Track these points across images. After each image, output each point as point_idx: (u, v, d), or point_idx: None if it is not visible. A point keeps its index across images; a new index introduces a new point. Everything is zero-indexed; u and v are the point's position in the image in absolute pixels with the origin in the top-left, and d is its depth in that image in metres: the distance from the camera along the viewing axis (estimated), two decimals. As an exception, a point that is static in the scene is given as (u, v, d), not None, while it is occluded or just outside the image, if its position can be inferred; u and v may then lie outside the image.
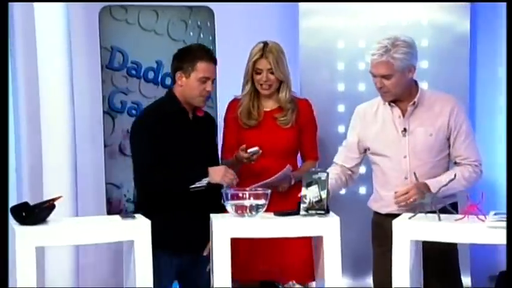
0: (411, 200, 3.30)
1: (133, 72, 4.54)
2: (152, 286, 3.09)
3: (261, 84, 3.76)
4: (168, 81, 4.59)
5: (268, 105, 3.81)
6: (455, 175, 3.29)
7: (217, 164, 3.62)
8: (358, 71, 4.37)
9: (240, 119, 3.79)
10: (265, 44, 3.79)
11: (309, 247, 3.60)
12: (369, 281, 3.67)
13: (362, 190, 4.38)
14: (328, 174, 3.27)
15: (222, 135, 3.89)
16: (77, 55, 4.13)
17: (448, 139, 3.44)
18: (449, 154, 3.47)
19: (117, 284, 3.33)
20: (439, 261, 3.40)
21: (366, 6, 4.46)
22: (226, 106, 3.90)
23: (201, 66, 3.49)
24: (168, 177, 3.46)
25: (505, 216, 3.04)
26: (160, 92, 4.56)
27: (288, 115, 3.77)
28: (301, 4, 4.44)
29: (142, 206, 3.55)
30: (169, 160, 3.47)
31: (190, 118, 3.56)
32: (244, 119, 3.78)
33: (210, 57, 3.53)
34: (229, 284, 3.14)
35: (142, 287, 3.08)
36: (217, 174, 3.42)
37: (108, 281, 4.05)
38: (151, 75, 4.58)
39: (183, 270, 3.54)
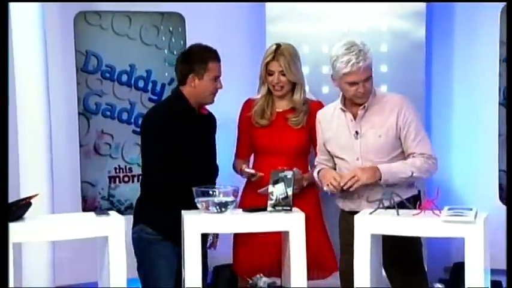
0: (359, 182, 3.33)
1: (108, 75, 4.52)
2: (125, 281, 3.08)
3: (273, 86, 3.74)
4: (141, 83, 4.58)
5: (282, 105, 3.79)
6: (412, 172, 3.33)
7: (214, 162, 3.65)
8: (322, 75, 4.40)
9: (253, 117, 3.77)
10: (278, 46, 3.76)
11: (321, 240, 3.64)
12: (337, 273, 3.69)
13: None
14: (293, 172, 3.29)
15: (236, 134, 3.88)
16: (53, 59, 4.09)
17: (399, 138, 3.46)
18: (403, 152, 3.49)
19: (93, 279, 3.30)
20: (402, 251, 3.43)
21: (328, 13, 4.49)
22: (240, 106, 3.88)
23: (213, 66, 3.54)
24: (175, 186, 3.46)
25: (458, 211, 3.09)
26: (134, 94, 4.57)
27: (300, 116, 3.74)
28: (267, 10, 4.46)
29: (145, 198, 3.58)
30: (179, 155, 3.47)
31: (197, 116, 3.58)
32: (257, 118, 3.77)
33: (217, 56, 3.58)
34: (200, 275, 3.15)
35: (116, 281, 3.07)
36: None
37: (84, 276, 4.01)
38: (124, 78, 4.55)
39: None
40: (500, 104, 4.48)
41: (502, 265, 3.87)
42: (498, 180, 4.48)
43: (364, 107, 3.46)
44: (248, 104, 3.84)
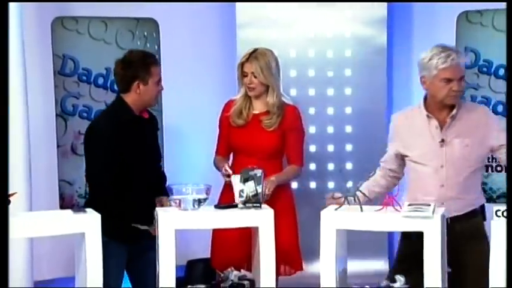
0: None
1: (84, 78, 4.47)
2: (102, 274, 3.04)
3: (247, 86, 3.73)
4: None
5: (258, 107, 3.77)
6: None
7: (159, 161, 3.61)
8: (289, 78, 4.41)
9: (231, 117, 3.76)
10: (255, 50, 3.75)
11: (289, 238, 3.63)
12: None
13: (312, 185, 4.44)
14: (263, 171, 3.27)
15: (217, 133, 3.87)
16: (31, 62, 4.04)
17: (486, 148, 3.33)
18: (483, 167, 3.40)
19: (71, 273, 3.27)
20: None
21: (296, 20, 4.51)
22: (213, 104, 3.88)
23: (155, 71, 3.49)
24: (117, 202, 3.43)
25: (417, 206, 3.11)
26: (110, 96, 4.50)
27: (273, 119, 3.72)
28: (238, 16, 4.46)
29: (92, 201, 3.51)
30: (126, 163, 3.43)
31: (139, 123, 3.53)
32: (234, 118, 3.75)
33: (157, 60, 3.55)
34: (174, 270, 3.12)
35: (93, 275, 3.03)
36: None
37: (62, 271, 3.96)
38: (101, 80, 4.50)
39: (131, 257, 3.51)
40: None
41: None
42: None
43: (452, 116, 3.30)
44: (229, 105, 3.84)
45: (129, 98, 3.50)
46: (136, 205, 3.37)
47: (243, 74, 3.74)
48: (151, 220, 3.23)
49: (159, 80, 3.51)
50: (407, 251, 3.36)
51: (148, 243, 3.42)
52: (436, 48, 3.32)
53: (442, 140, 3.31)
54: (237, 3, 4.45)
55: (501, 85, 4.42)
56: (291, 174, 3.78)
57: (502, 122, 3.43)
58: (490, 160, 4.50)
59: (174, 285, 3.12)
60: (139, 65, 3.47)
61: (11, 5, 3.77)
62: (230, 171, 3.61)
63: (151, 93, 3.49)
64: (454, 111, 3.31)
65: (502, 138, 3.29)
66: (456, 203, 3.18)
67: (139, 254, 3.48)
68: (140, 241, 3.44)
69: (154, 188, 3.49)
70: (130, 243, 3.47)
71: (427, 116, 3.34)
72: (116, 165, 3.41)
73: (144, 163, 3.49)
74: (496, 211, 2.95)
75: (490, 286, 2.94)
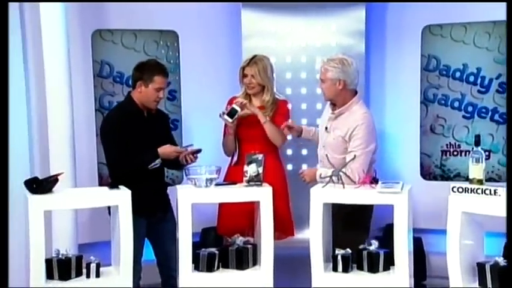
0: None
1: (118, 79, 4.45)
2: (132, 237, 3.07)
3: (247, 85, 3.73)
4: (145, 85, 4.53)
5: (256, 103, 3.75)
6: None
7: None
8: (285, 79, 4.39)
9: None
10: (254, 56, 3.76)
11: (283, 210, 3.60)
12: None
13: (304, 167, 4.39)
14: (264, 155, 3.25)
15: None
16: (75, 67, 4.03)
17: None
18: None
19: (108, 238, 3.29)
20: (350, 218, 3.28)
21: (290, 32, 4.47)
22: (223, 100, 3.83)
23: (157, 79, 3.42)
24: (129, 165, 3.40)
25: (389, 184, 3.10)
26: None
27: (267, 113, 3.71)
28: (243, 30, 4.43)
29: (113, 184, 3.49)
30: (130, 148, 3.39)
31: (145, 116, 3.49)
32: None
33: (164, 71, 3.47)
34: (191, 236, 3.12)
35: (125, 239, 3.06)
36: (166, 153, 3.37)
37: (101, 236, 3.96)
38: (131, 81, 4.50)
39: (150, 228, 3.49)
40: (421, 102, 4.51)
41: (422, 225, 3.91)
42: (419, 160, 4.52)
43: None
44: (231, 100, 3.82)
45: (135, 95, 3.48)
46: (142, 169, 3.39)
47: (243, 75, 3.74)
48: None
49: (160, 89, 3.43)
50: None
51: (162, 216, 3.44)
52: None
53: None
54: (243, 18, 4.43)
55: (457, 85, 4.40)
56: (277, 133, 3.67)
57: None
58: (448, 146, 4.50)
59: (191, 248, 3.12)
60: (145, 70, 3.44)
61: (55, 15, 3.75)
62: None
63: (149, 96, 3.42)
64: None
65: None
66: None
67: (156, 225, 3.47)
68: (155, 214, 3.43)
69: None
70: (147, 217, 3.44)
71: None
72: (126, 149, 3.38)
73: (145, 149, 3.42)
74: (453, 187, 2.95)
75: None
